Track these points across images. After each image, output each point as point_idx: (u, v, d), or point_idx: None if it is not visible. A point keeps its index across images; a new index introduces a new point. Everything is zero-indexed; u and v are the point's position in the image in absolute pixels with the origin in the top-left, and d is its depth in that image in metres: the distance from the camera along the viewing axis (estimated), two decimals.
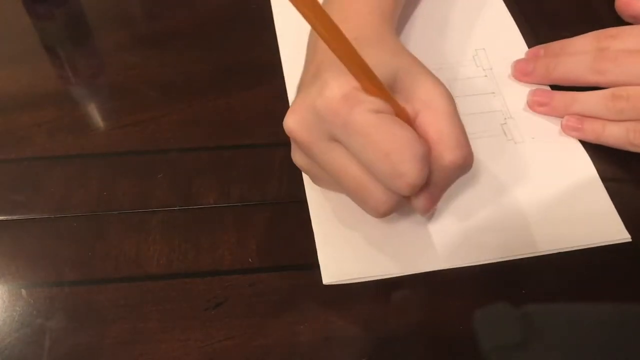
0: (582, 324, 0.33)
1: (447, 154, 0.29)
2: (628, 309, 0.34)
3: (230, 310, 0.33)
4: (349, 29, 0.28)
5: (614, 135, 0.38)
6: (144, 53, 0.45)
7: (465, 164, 0.30)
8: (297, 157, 0.33)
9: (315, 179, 0.35)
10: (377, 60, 0.29)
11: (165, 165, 0.39)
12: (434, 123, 0.29)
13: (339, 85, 0.28)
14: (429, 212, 0.33)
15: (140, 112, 0.42)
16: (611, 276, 0.35)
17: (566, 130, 0.39)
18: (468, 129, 0.39)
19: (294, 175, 0.38)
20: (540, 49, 0.43)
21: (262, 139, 0.40)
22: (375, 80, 0.28)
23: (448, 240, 0.35)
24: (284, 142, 0.39)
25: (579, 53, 0.40)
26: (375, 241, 0.35)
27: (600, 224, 0.36)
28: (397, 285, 0.34)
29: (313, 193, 0.37)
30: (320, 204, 0.37)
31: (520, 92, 0.42)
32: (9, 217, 0.36)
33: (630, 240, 0.35)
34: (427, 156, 0.28)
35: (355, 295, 0.34)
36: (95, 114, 0.42)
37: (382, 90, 0.29)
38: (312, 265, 0.34)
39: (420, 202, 0.31)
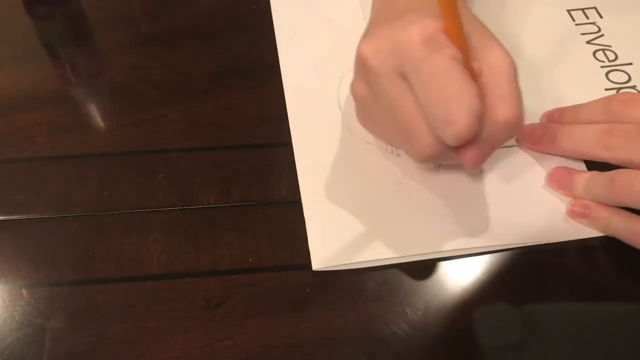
0: (581, 324, 0.33)
1: (501, 112, 0.30)
2: (625, 306, 0.34)
3: (230, 310, 0.33)
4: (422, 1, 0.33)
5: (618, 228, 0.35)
6: (144, 53, 0.45)
7: (515, 124, 0.31)
8: (357, 86, 0.34)
9: (362, 112, 0.36)
10: None
11: (165, 165, 0.39)
12: (495, 84, 0.31)
13: (424, 26, 0.30)
14: (476, 168, 0.35)
15: (140, 112, 0.42)
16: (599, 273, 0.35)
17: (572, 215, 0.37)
18: None
19: (294, 175, 0.38)
20: (556, 112, 0.40)
21: (262, 139, 0.40)
22: (460, 30, 0.30)
23: (437, 226, 0.36)
24: (284, 142, 0.40)
25: (588, 122, 0.37)
26: (365, 227, 0.36)
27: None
28: (397, 285, 0.34)
29: (306, 180, 0.38)
30: (313, 191, 0.37)
31: None
32: (9, 217, 0.37)
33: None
34: (480, 114, 0.30)
35: (356, 295, 0.34)
36: (95, 114, 0.42)
37: (462, 40, 0.31)
38: (312, 265, 0.34)
39: (468, 155, 0.32)
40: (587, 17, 0.46)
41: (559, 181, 0.37)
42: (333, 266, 0.34)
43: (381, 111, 0.33)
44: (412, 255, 0.35)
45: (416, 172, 0.38)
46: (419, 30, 0.30)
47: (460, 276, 0.35)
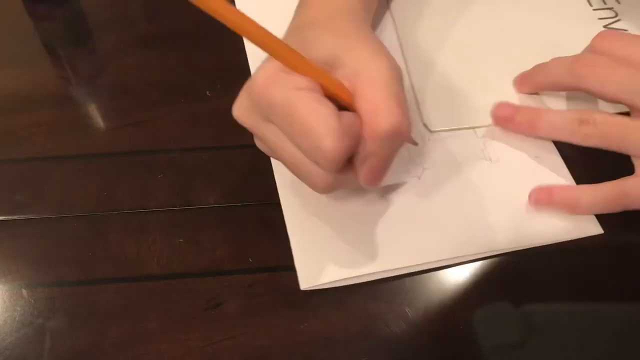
0: (580, 324, 0.33)
1: (379, 123, 0.29)
2: (623, 306, 0.34)
3: (230, 310, 0.33)
4: (307, 14, 0.36)
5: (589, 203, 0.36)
6: (144, 53, 0.45)
7: (398, 131, 0.30)
8: (257, 142, 0.34)
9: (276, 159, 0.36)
10: (317, 40, 0.32)
11: (165, 165, 0.39)
12: (368, 93, 0.30)
13: (264, 68, 0.30)
14: (376, 183, 0.32)
15: (140, 112, 0.42)
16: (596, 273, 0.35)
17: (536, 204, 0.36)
18: (450, 155, 0.39)
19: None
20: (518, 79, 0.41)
21: None
22: (301, 60, 0.29)
23: (423, 235, 0.35)
24: None
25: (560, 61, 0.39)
26: (351, 242, 0.35)
27: (574, 220, 0.36)
28: (396, 285, 0.34)
29: (287, 196, 0.37)
30: (294, 208, 0.36)
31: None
32: (9, 217, 0.37)
33: (602, 232, 0.36)
34: (349, 129, 0.29)
35: (355, 295, 0.34)
36: (95, 114, 0.42)
37: (311, 68, 0.30)
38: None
39: (362, 174, 0.31)
40: (605, 3, 0.46)
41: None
42: (322, 284, 0.33)
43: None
44: (401, 268, 0.34)
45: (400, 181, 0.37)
46: (261, 75, 0.30)
47: (460, 276, 0.35)
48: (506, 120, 0.38)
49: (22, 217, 0.37)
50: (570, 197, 0.36)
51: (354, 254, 0.35)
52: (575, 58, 0.37)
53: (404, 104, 0.30)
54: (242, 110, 0.32)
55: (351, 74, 0.31)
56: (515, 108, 0.39)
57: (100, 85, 0.44)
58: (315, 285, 0.33)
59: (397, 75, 0.31)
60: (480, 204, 0.37)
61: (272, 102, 0.29)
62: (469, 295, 0.34)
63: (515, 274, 0.35)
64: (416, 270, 0.34)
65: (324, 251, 0.35)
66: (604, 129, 0.36)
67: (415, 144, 0.38)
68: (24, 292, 0.34)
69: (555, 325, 0.33)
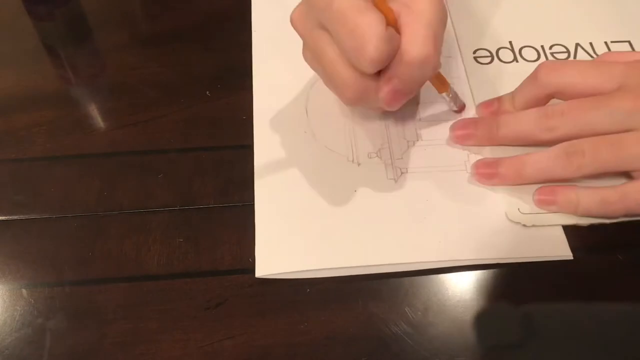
0: (580, 324, 0.33)
1: (411, 49, 0.33)
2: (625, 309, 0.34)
3: (230, 310, 0.33)
4: None
5: (589, 204, 0.35)
6: (144, 53, 0.45)
7: (426, 62, 0.33)
8: (303, 53, 0.37)
9: (319, 75, 0.38)
10: None
11: (165, 165, 0.39)
12: (409, 23, 0.33)
13: None
14: (393, 105, 0.36)
15: (140, 112, 0.42)
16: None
17: (540, 205, 0.36)
18: (431, 163, 0.39)
19: None
20: (494, 101, 0.40)
21: None
22: None
23: (388, 237, 0.35)
24: None
25: (524, 102, 0.38)
26: (314, 235, 0.35)
27: (545, 240, 0.35)
28: (397, 285, 0.34)
29: (261, 184, 0.37)
30: (267, 195, 0.37)
31: None
32: (9, 217, 0.37)
33: (571, 258, 0.35)
34: (391, 39, 0.32)
35: (356, 295, 0.34)
36: (95, 114, 0.42)
37: None
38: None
39: (384, 90, 0.34)
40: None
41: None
42: (278, 274, 0.34)
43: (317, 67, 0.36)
44: (358, 267, 0.34)
45: (373, 182, 0.37)
46: None
47: (459, 276, 0.35)
48: (490, 176, 0.37)
49: (22, 217, 0.37)
50: (571, 198, 0.35)
51: (315, 247, 0.35)
52: (540, 114, 0.36)
53: (438, 43, 0.34)
54: (299, 16, 0.36)
55: (403, 3, 0.34)
56: (497, 161, 0.37)
57: (100, 85, 0.44)
58: (271, 275, 0.34)
59: (442, 18, 0.34)
60: (451, 213, 0.36)
61: (329, 4, 0.32)
62: (468, 295, 0.34)
63: (515, 274, 0.35)
64: (375, 272, 0.34)
65: (286, 241, 0.35)
66: (596, 156, 0.34)
67: (456, 109, 0.41)
68: (24, 292, 0.34)
69: (555, 326, 0.33)
